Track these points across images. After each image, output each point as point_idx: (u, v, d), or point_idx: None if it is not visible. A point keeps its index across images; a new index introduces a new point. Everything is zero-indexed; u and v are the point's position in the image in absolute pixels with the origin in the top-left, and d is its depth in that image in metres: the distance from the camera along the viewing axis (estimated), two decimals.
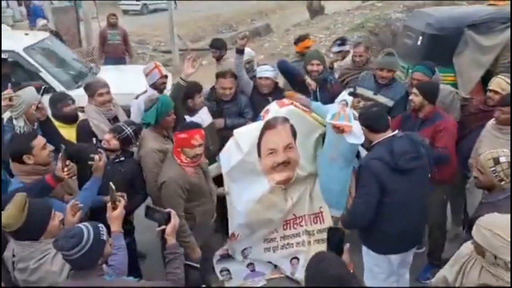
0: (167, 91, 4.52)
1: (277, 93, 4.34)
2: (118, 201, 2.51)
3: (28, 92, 3.50)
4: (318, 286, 1.92)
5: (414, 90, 3.68)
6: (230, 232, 3.87)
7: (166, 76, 4.25)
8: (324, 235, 3.75)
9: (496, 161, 2.68)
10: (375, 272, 3.31)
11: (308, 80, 4.29)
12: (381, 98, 4.20)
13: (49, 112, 3.60)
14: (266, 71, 4.34)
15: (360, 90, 4.31)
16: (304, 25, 15.21)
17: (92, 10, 14.04)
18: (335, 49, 5.60)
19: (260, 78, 4.33)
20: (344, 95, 3.85)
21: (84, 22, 12.26)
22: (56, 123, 3.60)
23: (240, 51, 4.36)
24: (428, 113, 3.64)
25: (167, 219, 2.45)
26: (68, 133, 3.65)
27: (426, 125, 3.64)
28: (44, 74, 5.98)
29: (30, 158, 2.81)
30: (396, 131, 3.14)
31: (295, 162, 3.82)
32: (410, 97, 3.71)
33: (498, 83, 3.75)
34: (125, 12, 22.25)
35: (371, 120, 3.14)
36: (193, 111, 3.92)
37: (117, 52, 8.29)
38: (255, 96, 4.36)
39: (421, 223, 3.42)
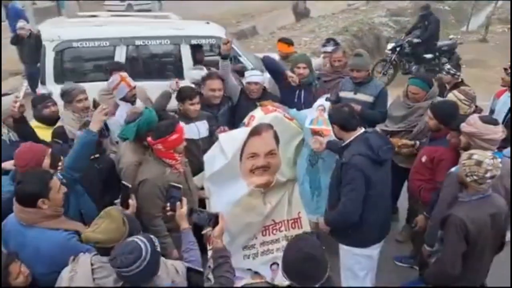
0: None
1: (265, 98, 4.34)
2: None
3: (6, 100, 3.46)
4: (291, 262, 2.08)
5: (429, 112, 3.57)
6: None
7: (134, 87, 4.15)
8: None
9: (470, 156, 2.73)
10: (355, 270, 3.38)
11: (290, 74, 4.36)
12: (361, 96, 4.38)
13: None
14: (255, 75, 4.35)
15: (342, 94, 4.45)
16: (290, 28, 15.29)
17: (76, 10, 13.90)
18: (329, 48, 5.54)
19: (249, 83, 4.33)
20: (322, 100, 3.88)
21: None
22: (36, 124, 3.63)
23: (225, 56, 4.33)
24: (442, 134, 3.53)
25: (214, 221, 2.47)
26: (47, 134, 3.65)
27: (435, 144, 3.58)
28: (243, 58, 6.20)
29: (45, 203, 2.42)
30: (363, 128, 3.22)
31: (276, 167, 3.82)
32: (426, 119, 3.64)
33: (449, 97, 3.94)
34: (110, 12, 22.08)
35: (345, 119, 3.20)
36: (188, 119, 3.88)
37: None
38: (243, 101, 4.35)
39: (391, 208, 3.67)
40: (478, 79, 8.48)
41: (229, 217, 3.70)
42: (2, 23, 14.63)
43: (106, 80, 4.32)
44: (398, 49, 9.76)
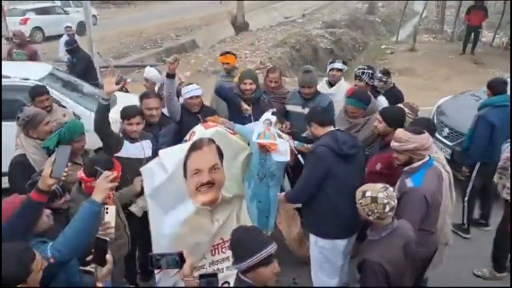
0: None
1: (204, 110, 4.37)
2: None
3: None
4: None
5: (378, 116, 3.69)
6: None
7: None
8: None
9: (363, 194, 2.71)
10: (320, 262, 3.58)
11: (244, 106, 4.43)
12: None
13: None
14: (195, 90, 4.32)
15: (289, 107, 4.58)
16: (230, 41, 15.40)
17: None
18: (339, 65, 5.44)
19: (191, 98, 4.29)
20: (268, 114, 3.90)
21: None
22: None
23: (171, 76, 4.15)
24: (390, 139, 3.50)
25: (181, 260, 2.35)
26: None
27: (387, 150, 3.56)
28: None
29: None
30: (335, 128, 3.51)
31: (220, 183, 3.74)
32: (375, 123, 3.71)
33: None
34: None
35: (321, 115, 3.57)
36: (133, 138, 3.77)
37: None
38: (185, 118, 4.28)
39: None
40: (408, 86, 8.98)
41: (177, 238, 3.59)
42: None
43: None
44: None
